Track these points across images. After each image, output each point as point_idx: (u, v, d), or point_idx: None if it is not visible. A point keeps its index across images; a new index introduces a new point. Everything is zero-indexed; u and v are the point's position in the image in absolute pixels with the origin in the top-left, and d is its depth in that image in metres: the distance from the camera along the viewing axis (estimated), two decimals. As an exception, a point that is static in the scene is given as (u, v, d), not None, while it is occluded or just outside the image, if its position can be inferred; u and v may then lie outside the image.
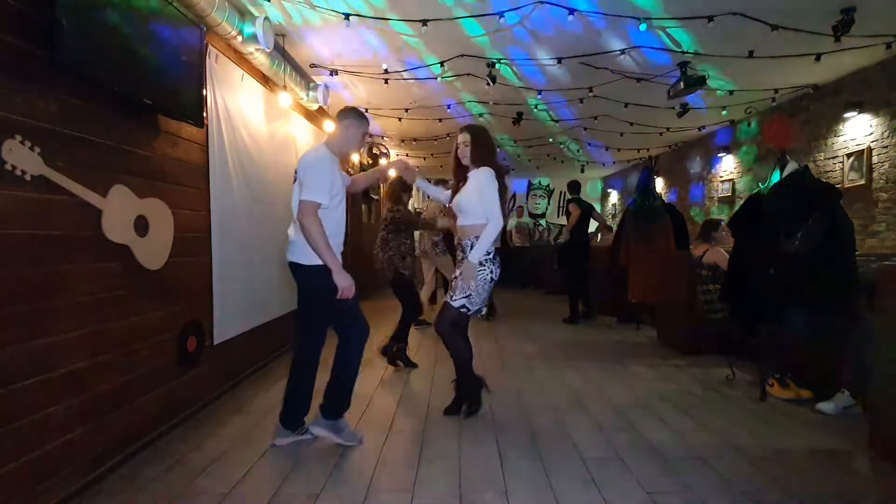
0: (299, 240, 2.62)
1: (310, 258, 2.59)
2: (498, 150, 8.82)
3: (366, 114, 3.02)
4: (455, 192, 3.07)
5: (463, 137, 3.01)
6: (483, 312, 3.13)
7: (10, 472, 1.90)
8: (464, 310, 2.96)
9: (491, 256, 2.94)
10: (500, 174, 2.97)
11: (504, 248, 6.02)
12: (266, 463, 2.58)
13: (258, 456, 2.65)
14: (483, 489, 2.31)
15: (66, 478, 2.18)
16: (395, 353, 4.31)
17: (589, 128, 7.30)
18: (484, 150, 2.99)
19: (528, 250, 10.93)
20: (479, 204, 2.89)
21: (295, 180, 2.69)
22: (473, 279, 2.88)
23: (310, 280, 2.65)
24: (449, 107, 6.30)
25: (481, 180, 2.89)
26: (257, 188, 4.16)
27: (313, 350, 2.82)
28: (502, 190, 2.95)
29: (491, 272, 2.94)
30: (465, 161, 3.02)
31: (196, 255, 3.26)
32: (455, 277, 3.00)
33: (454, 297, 2.95)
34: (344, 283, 2.57)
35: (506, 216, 3.00)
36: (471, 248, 2.92)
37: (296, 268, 2.66)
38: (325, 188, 2.54)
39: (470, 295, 2.93)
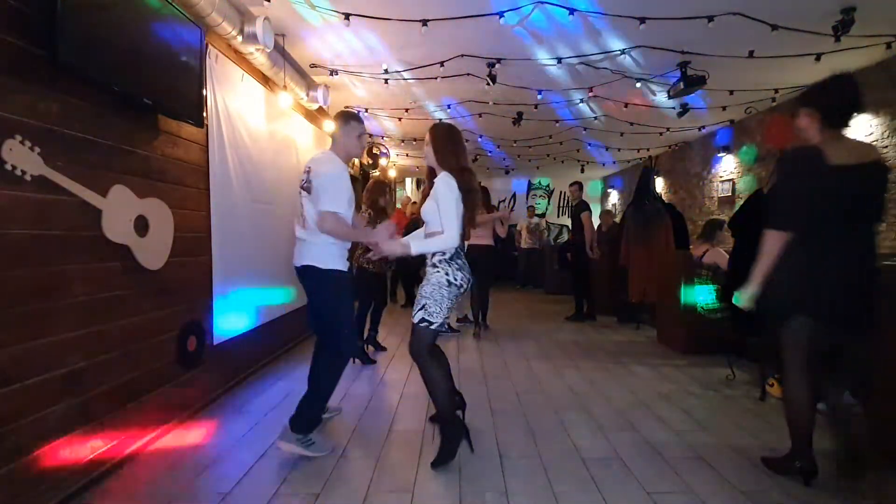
0: (312, 245, 2.71)
1: (324, 263, 2.67)
2: (497, 149, 8.90)
3: (360, 114, 2.96)
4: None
5: (426, 138, 2.71)
6: (448, 329, 2.65)
7: (10, 472, 1.90)
8: (424, 324, 2.53)
9: (447, 257, 2.55)
10: (466, 176, 2.58)
11: (492, 248, 5.92)
12: (266, 463, 2.58)
13: (258, 456, 2.65)
14: (483, 489, 2.31)
15: (66, 478, 2.18)
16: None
17: (589, 128, 7.29)
18: (444, 146, 2.62)
19: (534, 250, 10.93)
20: (436, 213, 2.54)
21: (303, 184, 2.74)
22: (393, 253, 2.70)
23: (324, 282, 2.71)
24: (449, 107, 6.30)
25: (437, 187, 2.53)
26: (257, 188, 4.16)
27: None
28: (468, 195, 2.56)
29: (447, 274, 2.53)
30: (427, 162, 2.72)
31: (196, 255, 3.26)
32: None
33: (413, 312, 2.59)
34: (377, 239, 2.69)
35: (471, 217, 2.66)
36: (431, 256, 2.60)
37: (308, 270, 2.71)
38: (345, 199, 2.65)
39: (425, 305, 2.53)
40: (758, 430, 3.01)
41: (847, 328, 2.24)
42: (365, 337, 4.82)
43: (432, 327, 2.54)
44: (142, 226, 2.65)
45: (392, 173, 10.42)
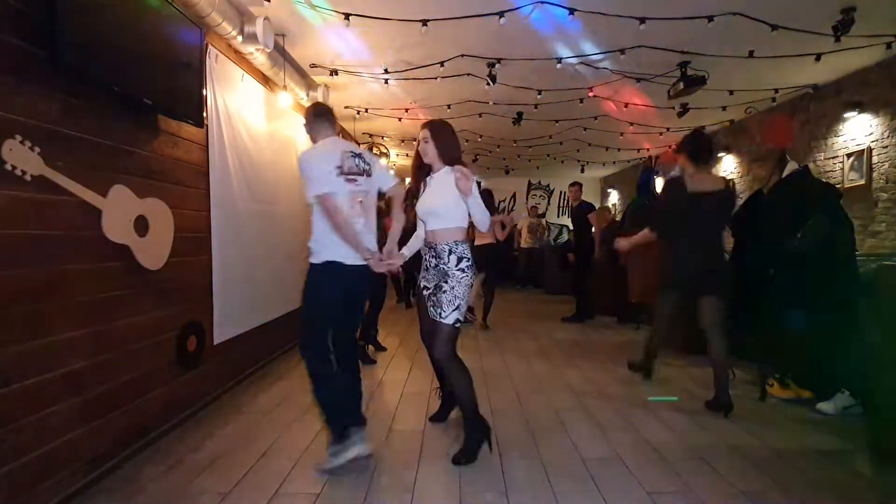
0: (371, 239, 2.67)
1: (314, 257, 2.58)
2: (497, 149, 8.90)
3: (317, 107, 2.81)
4: (414, 193, 2.79)
5: (423, 133, 2.69)
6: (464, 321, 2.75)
7: (10, 472, 1.90)
8: (458, 325, 2.60)
9: (470, 263, 2.64)
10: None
11: (496, 247, 6.01)
12: (266, 463, 2.58)
13: (258, 456, 2.65)
14: (483, 489, 2.31)
15: (66, 478, 2.18)
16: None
17: (589, 128, 7.29)
18: (447, 144, 2.65)
19: (534, 250, 10.92)
20: (456, 206, 2.58)
21: (360, 176, 2.68)
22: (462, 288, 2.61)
23: (307, 276, 2.62)
24: (449, 107, 6.30)
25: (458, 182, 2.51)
26: (257, 188, 4.16)
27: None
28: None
29: (471, 278, 2.65)
30: (427, 159, 2.68)
31: (196, 255, 3.26)
32: (430, 290, 2.66)
33: (444, 314, 2.56)
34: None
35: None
36: (449, 254, 2.59)
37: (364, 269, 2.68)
38: (312, 178, 2.55)
39: (459, 306, 2.58)
40: (758, 430, 3.01)
41: (699, 296, 3.34)
42: (364, 337, 4.80)
43: (460, 326, 2.62)
44: (142, 226, 2.65)
45: (392, 173, 10.39)
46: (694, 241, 3.29)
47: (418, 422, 3.13)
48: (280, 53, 4.36)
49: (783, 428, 3.05)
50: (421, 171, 2.74)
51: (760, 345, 3.85)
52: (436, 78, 5.14)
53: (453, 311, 2.57)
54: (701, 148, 3.38)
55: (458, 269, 2.59)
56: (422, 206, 2.68)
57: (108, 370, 2.45)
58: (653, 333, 3.91)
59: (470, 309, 6.29)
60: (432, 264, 2.67)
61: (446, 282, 2.59)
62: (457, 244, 2.61)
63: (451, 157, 2.64)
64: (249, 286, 3.99)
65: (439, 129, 2.69)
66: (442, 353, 2.61)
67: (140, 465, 2.55)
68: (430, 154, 2.66)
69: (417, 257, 2.91)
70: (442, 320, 2.56)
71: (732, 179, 4.75)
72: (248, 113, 4.03)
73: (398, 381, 3.97)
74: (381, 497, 2.26)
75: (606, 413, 3.29)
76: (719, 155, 7.72)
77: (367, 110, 6.56)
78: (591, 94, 5.65)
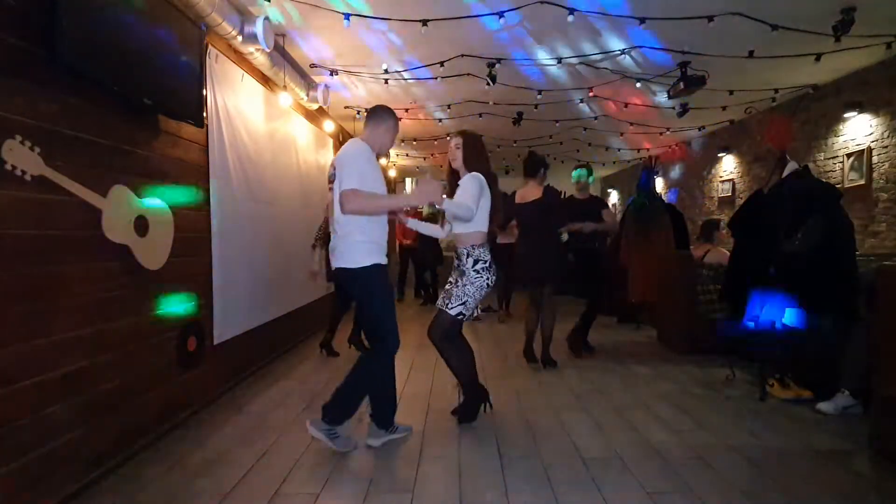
0: (341, 244, 2.62)
1: (355, 262, 2.57)
2: (498, 149, 8.89)
3: (389, 109, 2.92)
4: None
5: (455, 141, 3.03)
6: (476, 315, 3.13)
7: (10, 472, 1.90)
8: (460, 317, 2.94)
9: (487, 265, 2.94)
10: (493, 181, 2.99)
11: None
12: (266, 463, 2.58)
13: (258, 456, 2.65)
14: (483, 489, 2.31)
15: (66, 478, 2.18)
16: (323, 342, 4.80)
17: (589, 128, 7.29)
18: (474, 154, 2.99)
19: None
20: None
21: (330, 177, 2.68)
22: (433, 194, 2.67)
23: (355, 282, 2.62)
24: (449, 107, 6.30)
25: (466, 183, 2.90)
26: (257, 188, 4.16)
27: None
28: (495, 197, 2.97)
29: (487, 279, 2.94)
30: (455, 165, 3.02)
31: (196, 255, 3.26)
32: (451, 284, 3.03)
33: (451, 305, 2.93)
34: (423, 190, 2.69)
35: (495, 223, 3.04)
36: (466, 257, 2.94)
37: (342, 272, 2.64)
38: (362, 175, 2.51)
39: (466, 301, 2.92)
40: (758, 430, 3.01)
41: (536, 283, 4.44)
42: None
43: (464, 320, 2.97)
44: (142, 226, 2.65)
45: (392, 173, 10.41)
46: (532, 241, 4.39)
47: (418, 422, 3.12)
48: (280, 53, 4.36)
49: (783, 428, 3.05)
50: (453, 176, 3.04)
51: (760, 345, 3.85)
52: (436, 78, 5.14)
53: (459, 304, 2.91)
54: (530, 166, 4.49)
55: (473, 270, 2.92)
56: (447, 209, 2.87)
57: (108, 370, 2.45)
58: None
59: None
60: (455, 264, 3.04)
61: (461, 279, 2.94)
62: (474, 247, 2.93)
63: (475, 166, 2.94)
64: (249, 286, 3.99)
65: (469, 139, 3.01)
66: (436, 334, 2.98)
67: (140, 465, 2.55)
68: (458, 160, 2.99)
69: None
70: (447, 309, 2.92)
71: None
72: (248, 113, 4.03)
73: (398, 382, 3.96)
74: (381, 497, 2.25)
75: (606, 413, 3.29)
76: (719, 155, 7.76)
77: (367, 110, 6.55)
78: (591, 94, 5.65)
